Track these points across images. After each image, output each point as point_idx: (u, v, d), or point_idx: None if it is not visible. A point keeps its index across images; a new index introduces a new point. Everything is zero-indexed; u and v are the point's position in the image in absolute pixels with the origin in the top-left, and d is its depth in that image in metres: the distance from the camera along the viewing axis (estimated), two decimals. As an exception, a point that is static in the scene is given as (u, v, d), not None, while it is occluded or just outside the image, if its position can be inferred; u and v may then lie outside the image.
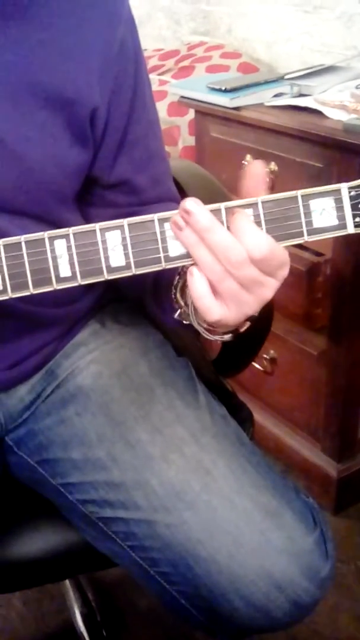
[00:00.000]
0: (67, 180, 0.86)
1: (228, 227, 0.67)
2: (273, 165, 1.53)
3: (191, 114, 1.82)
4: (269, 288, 0.68)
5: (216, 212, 0.67)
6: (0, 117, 0.79)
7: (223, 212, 0.68)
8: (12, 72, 0.79)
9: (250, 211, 0.68)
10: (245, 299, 0.68)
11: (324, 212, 0.69)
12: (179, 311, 0.77)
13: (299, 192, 0.69)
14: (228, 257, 0.66)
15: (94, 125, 0.85)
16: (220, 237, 0.66)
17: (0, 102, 0.79)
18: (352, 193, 0.69)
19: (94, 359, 0.94)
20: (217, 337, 0.75)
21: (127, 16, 0.87)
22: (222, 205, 0.68)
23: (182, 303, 0.77)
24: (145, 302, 0.92)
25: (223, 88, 1.59)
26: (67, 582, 1.49)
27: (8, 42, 0.79)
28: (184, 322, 0.77)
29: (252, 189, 0.68)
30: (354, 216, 0.69)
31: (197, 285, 0.68)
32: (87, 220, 0.92)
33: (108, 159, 0.89)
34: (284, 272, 0.69)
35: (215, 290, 0.68)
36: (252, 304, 0.69)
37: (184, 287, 0.76)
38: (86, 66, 0.83)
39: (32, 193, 0.83)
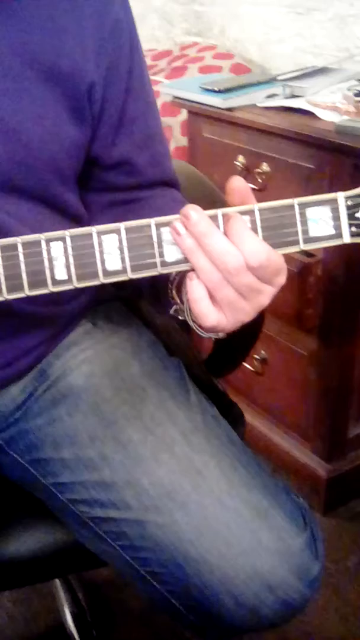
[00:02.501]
0: (66, 158, 0.86)
1: (225, 233, 0.67)
2: (265, 166, 1.53)
3: (184, 114, 1.82)
4: (265, 295, 0.69)
5: (213, 218, 0.67)
6: None
7: (220, 218, 0.68)
8: (8, 48, 0.79)
9: (247, 218, 0.68)
10: (241, 306, 0.68)
11: (321, 221, 0.69)
12: (174, 307, 0.77)
13: (296, 201, 0.69)
14: (225, 263, 0.66)
15: (92, 101, 0.85)
16: (218, 243, 0.66)
17: None
18: (349, 202, 0.69)
19: (86, 358, 0.94)
20: (210, 335, 0.75)
21: None
22: (219, 212, 0.68)
23: (177, 300, 0.77)
24: (143, 293, 0.92)
25: (216, 89, 1.59)
26: (57, 581, 1.49)
27: (3, 18, 0.79)
28: (179, 317, 0.77)
29: (241, 204, 0.69)
30: (350, 226, 0.70)
31: (195, 290, 0.68)
32: (86, 206, 0.93)
33: (108, 137, 0.89)
34: (281, 279, 0.69)
35: (212, 297, 0.68)
36: (248, 311, 0.69)
37: (180, 285, 0.76)
38: (81, 42, 0.83)
39: (31, 171, 0.83)
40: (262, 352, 1.71)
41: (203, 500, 0.82)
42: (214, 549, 0.80)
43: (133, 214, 0.72)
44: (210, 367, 1.07)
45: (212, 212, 0.68)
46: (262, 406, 1.80)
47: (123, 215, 0.83)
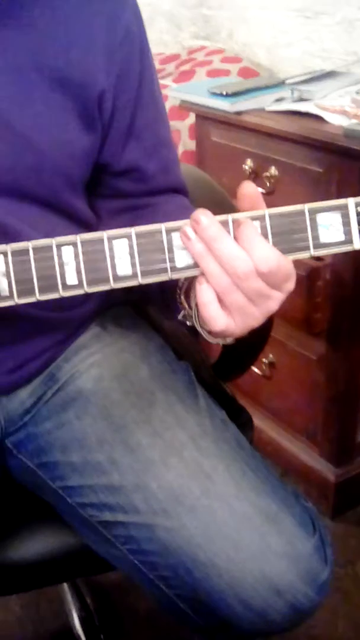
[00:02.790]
0: (76, 165, 0.86)
1: (235, 238, 0.67)
2: (274, 170, 1.53)
3: (192, 118, 1.82)
4: (274, 301, 0.69)
5: (223, 224, 0.67)
6: (8, 99, 0.80)
7: (230, 223, 0.68)
8: (19, 55, 0.80)
9: (257, 223, 0.68)
10: (251, 311, 0.68)
11: (331, 227, 0.69)
12: (182, 312, 0.77)
13: (306, 206, 0.68)
14: (235, 268, 0.66)
15: (102, 109, 0.86)
16: (228, 248, 0.66)
17: (8, 85, 0.80)
18: (359, 208, 0.69)
19: (95, 362, 0.94)
20: (218, 340, 0.75)
21: (133, 3, 0.88)
22: (229, 217, 0.68)
23: (186, 305, 0.77)
24: (152, 298, 0.92)
25: (224, 92, 1.59)
26: (65, 585, 1.49)
27: (15, 25, 0.80)
28: (187, 323, 0.77)
29: (251, 210, 0.69)
30: None
31: (204, 294, 0.68)
32: (95, 212, 0.93)
33: (118, 144, 0.90)
34: (290, 285, 0.69)
35: (221, 302, 0.68)
36: (257, 316, 0.69)
37: (188, 291, 0.76)
38: (92, 50, 0.83)
39: (41, 177, 0.83)
40: (271, 356, 1.70)
41: (212, 504, 0.82)
42: (222, 553, 0.80)
43: (142, 220, 0.72)
44: (218, 371, 1.07)
45: (223, 217, 0.67)
46: (270, 410, 1.79)
47: (132, 221, 0.83)
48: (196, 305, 0.70)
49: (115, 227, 0.69)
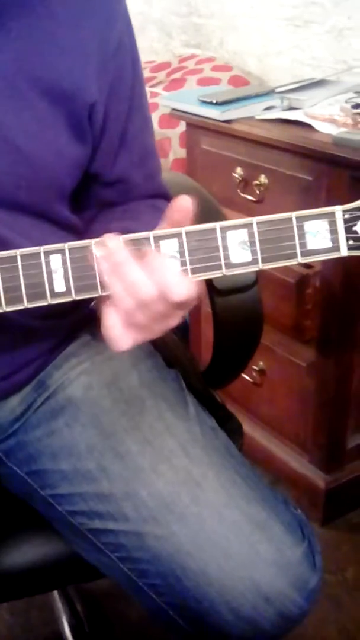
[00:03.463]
0: (66, 175, 0.86)
1: (147, 262, 0.67)
2: (263, 178, 1.54)
3: (182, 126, 1.83)
4: (176, 318, 0.71)
5: (210, 232, 0.68)
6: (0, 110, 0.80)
7: (218, 231, 0.68)
8: (11, 65, 0.80)
9: (244, 231, 0.68)
10: (152, 328, 0.70)
11: (318, 235, 0.70)
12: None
13: (294, 214, 0.69)
14: (138, 293, 0.67)
15: (92, 120, 0.86)
16: (132, 274, 0.67)
17: (0, 96, 0.80)
18: (347, 216, 0.70)
19: (84, 370, 0.94)
20: None
21: (125, 14, 0.89)
22: (217, 225, 0.68)
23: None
24: None
25: (214, 101, 1.60)
26: (55, 592, 1.49)
27: (7, 35, 0.80)
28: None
29: (176, 223, 0.69)
30: (348, 239, 0.70)
31: (110, 317, 0.70)
32: (84, 223, 0.93)
33: (109, 155, 0.90)
34: (194, 304, 0.70)
35: (126, 322, 0.69)
36: (157, 332, 0.71)
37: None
38: (84, 61, 0.83)
39: (32, 187, 0.83)
40: (261, 363, 1.71)
41: (201, 512, 0.82)
42: (212, 561, 0.80)
43: (114, 222, 0.73)
44: (208, 379, 1.07)
45: (210, 225, 0.68)
46: (260, 417, 1.80)
47: (106, 223, 0.84)
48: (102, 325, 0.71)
49: (93, 231, 0.69)
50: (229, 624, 0.80)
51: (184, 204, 0.68)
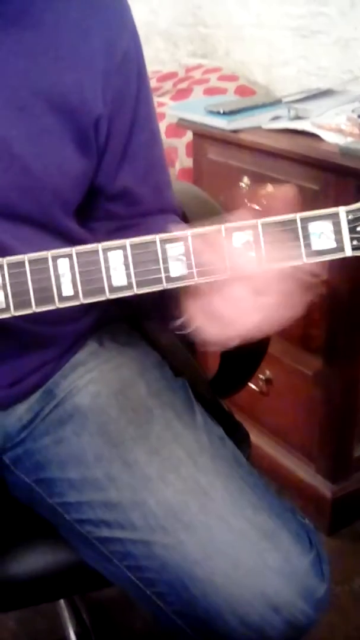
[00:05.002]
0: (70, 188, 0.87)
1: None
2: (270, 188, 1.54)
3: (189, 136, 1.83)
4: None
5: (216, 233, 0.68)
6: (6, 123, 0.80)
7: (223, 233, 0.69)
8: (17, 79, 0.80)
9: (249, 232, 0.69)
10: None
11: (322, 235, 0.70)
12: (179, 321, 0.78)
13: (298, 215, 0.70)
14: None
15: (97, 133, 0.86)
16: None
17: (6, 108, 0.80)
18: (350, 217, 0.70)
19: (92, 378, 0.94)
20: (216, 347, 0.77)
21: (131, 27, 0.89)
22: (222, 227, 0.69)
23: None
24: (147, 309, 0.92)
25: (221, 111, 1.60)
26: (61, 601, 1.48)
27: (13, 48, 0.80)
28: (183, 331, 0.78)
29: (281, 211, 0.70)
30: (352, 239, 0.71)
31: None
32: (91, 233, 0.93)
33: (111, 167, 0.90)
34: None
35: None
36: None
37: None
38: (90, 74, 0.84)
39: (36, 199, 0.83)
40: (267, 372, 1.71)
41: (209, 521, 0.82)
42: (219, 569, 0.80)
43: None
44: (215, 387, 1.07)
45: (215, 227, 0.70)
46: (267, 426, 1.79)
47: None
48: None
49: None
50: (236, 633, 0.80)
51: (288, 193, 0.69)
